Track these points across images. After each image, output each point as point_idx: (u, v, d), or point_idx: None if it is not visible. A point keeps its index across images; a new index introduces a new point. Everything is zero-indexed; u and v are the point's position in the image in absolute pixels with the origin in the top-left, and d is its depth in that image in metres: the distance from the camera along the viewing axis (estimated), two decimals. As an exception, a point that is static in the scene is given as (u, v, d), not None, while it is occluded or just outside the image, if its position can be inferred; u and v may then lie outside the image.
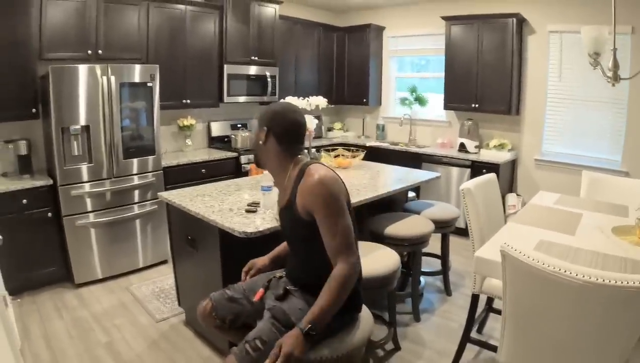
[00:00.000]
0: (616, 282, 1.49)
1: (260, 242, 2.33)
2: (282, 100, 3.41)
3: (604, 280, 1.50)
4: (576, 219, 2.82)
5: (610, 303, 1.53)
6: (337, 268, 1.75)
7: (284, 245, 2.24)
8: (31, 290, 3.69)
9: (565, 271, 1.57)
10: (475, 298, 2.74)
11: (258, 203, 2.77)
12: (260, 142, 1.94)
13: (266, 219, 2.49)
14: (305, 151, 2.09)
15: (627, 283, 1.47)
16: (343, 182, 1.91)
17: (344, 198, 1.85)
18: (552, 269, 1.59)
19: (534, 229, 2.58)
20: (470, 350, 2.89)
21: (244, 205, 2.76)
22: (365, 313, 2.05)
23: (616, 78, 2.73)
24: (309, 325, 1.68)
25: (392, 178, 3.88)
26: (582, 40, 2.72)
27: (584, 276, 1.53)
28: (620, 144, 4.84)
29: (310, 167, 1.87)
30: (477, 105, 5.41)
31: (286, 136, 1.93)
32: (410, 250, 3.31)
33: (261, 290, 2.05)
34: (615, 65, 2.71)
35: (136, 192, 4.09)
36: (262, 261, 2.20)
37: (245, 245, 2.36)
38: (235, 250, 2.51)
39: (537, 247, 2.25)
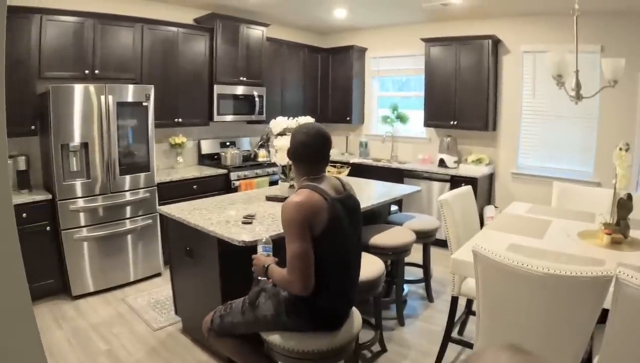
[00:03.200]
0: (572, 273, 1.72)
1: (255, 250, 2.50)
2: (273, 120, 3.60)
3: (560, 272, 1.73)
4: (545, 226, 3.05)
5: (568, 292, 1.75)
6: (285, 274, 2.00)
7: None
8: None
9: (527, 265, 1.79)
10: (454, 300, 2.95)
11: (253, 215, 2.97)
12: (289, 165, 2.22)
13: (262, 230, 2.68)
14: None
15: (581, 273, 1.70)
16: (333, 207, 2.00)
17: (305, 225, 1.93)
18: (516, 264, 1.82)
19: (506, 234, 2.81)
20: (452, 349, 3.09)
21: (240, 217, 2.95)
22: (354, 312, 2.26)
23: (579, 97, 3.00)
24: (266, 268, 2.14)
25: (375, 192, 4.10)
26: (548, 65, 2.97)
27: (543, 269, 1.76)
28: (592, 156, 5.12)
29: (300, 189, 2.05)
30: (455, 122, 5.69)
31: (295, 155, 2.16)
32: (394, 259, 3.51)
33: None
34: (578, 85, 2.99)
35: (130, 207, 4.25)
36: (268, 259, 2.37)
37: (242, 255, 2.53)
38: (233, 260, 2.70)
39: (507, 249, 2.45)
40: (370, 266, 2.78)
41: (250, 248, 2.49)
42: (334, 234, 2.01)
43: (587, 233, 2.86)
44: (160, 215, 4.10)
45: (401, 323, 3.63)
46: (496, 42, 5.53)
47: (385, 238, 3.42)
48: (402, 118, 6.49)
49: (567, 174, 5.21)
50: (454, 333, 3.13)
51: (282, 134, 3.53)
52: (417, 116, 6.40)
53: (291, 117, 3.57)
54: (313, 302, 2.04)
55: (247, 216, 2.97)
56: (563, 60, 2.87)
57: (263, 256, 2.21)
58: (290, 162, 2.22)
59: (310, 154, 2.13)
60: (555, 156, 5.44)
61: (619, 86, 2.95)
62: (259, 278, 2.23)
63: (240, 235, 2.58)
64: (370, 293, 2.81)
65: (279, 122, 3.54)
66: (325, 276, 1.99)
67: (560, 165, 5.38)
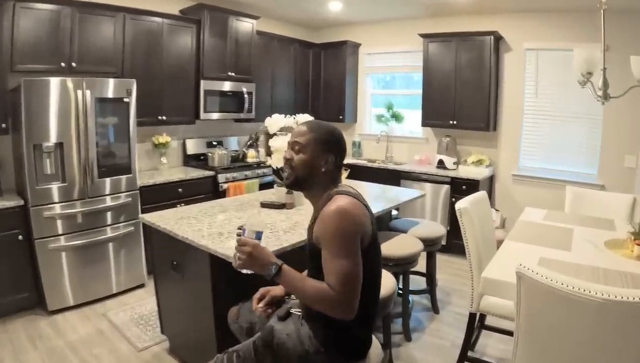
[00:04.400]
0: (634, 299, 1.46)
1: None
2: (268, 118, 3.30)
3: (622, 297, 1.47)
4: (568, 235, 2.83)
5: (629, 320, 1.50)
6: (329, 290, 1.61)
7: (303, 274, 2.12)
8: (2, 318, 3.45)
9: (584, 290, 1.53)
10: (472, 318, 2.69)
11: (249, 225, 2.66)
12: (323, 169, 1.80)
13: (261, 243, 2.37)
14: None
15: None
16: (372, 217, 1.78)
17: (357, 237, 1.65)
18: (571, 288, 1.55)
19: (531, 246, 2.57)
20: (467, 370, 2.83)
21: (233, 228, 2.63)
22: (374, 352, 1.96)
23: (606, 97, 2.75)
24: (279, 267, 1.70)
25: (377, 197, 3.82)
26: (575, 61, 2.72)
27: (602, 294, 1.51)
28: (595, 158, 4.95)
29: (338, 196, 1.75)
30: (455, 121, 5.44)
31: (342, 162, 1.89)
32: (401, 271, 3.23)
33: (272, 309, 2.00)
34: (605, 84, 2.74)
35: (110, 213, 3.89)
36: (276, 290, 2.03)
37: (237, 270, 2.23)
38: (227, 275, 2.38)
39: (538, 264, 2.21)
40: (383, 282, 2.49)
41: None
42: (375, 249, 1.77)
43: (614, 243, 2.68)
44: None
45: (408, 338, 3.36)
46: (498, 39, 5.30)
47: (391, 247, 3.14)
48: (397, 117, 6.24)
49: (570, 176, 5.02)
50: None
51: (277, 133, 3.24)
52: (413, 115, 6.16)
53: (288, 115, 3.27)
54: (348, 329, 1.75)
55: (243, 227, 2.64)
56: (592, 56, 2.62)
57: (266, 248, 1.77)
58: (324, 169, 1.82)
59: (344, 154, 1.91)
60: (558, 158, 5.24)
61: (623, 86, 2.75)
62: (244, 271, 1.76)
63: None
64: (382, 312, 2.52)
65: (275, 121, 3.24)
66: (363, 298, 1.65)
67: (563, 167, 5.19)
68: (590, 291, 1.52)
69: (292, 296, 2.04)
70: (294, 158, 1.81)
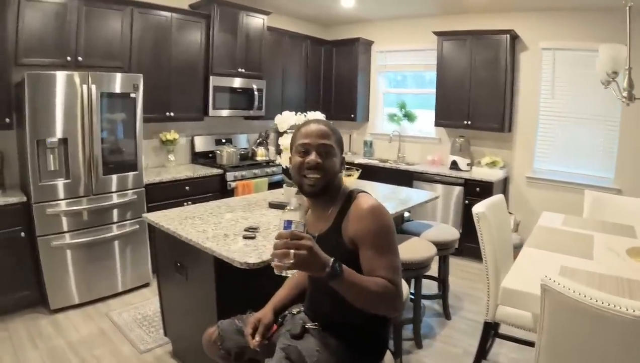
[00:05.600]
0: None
1: (258, 270, 2.10)
2: (278, 115, 3.20)
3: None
4: (589, 242, 2.71)
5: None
6: (390, 284, 1.50)
7: (285, 292, 1.99)
8: (3, 316, 3.38)
9: (614, 306, 1.41)
10: (487, 327, 2.58)
11: (256, 228, 2.55)
12: (340, 171, 1.75)
13: (268, 247, 2.27)
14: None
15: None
16: None
17: (396, 234, 1.64)
18: (601, 304, 1.43)
19: (552, 254, 2.45)
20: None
21: (240, 230, 2.54)
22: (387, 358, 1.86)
23: (631, 98, 2.62)
24: (339, 266, 1.41)
25: (389, 198, 3.70)
26: (599, 59, 2.59)
27: (634, 311, 1.38)
28: (612, 161, 4.81)
29: (361, 194, 1.70)
30: (469, 122, 5.31)
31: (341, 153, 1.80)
32: (413, 275, 3.12)
33: (274, 327, 1.84)
34: (631, 84, 2.61)
35: (116, 211, 3.81)
36: (267, 316, 1.86)
37: (242, 273, 2.14)
38: (232, 279, 2.30)
39: (560, 274, 2.10)
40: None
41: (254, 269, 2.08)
42: None
43: (636, 251, 2.55)
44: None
45: (419, 345, 3.24)
46: (514, 38, 5.15)
47: (404, 251, 2.99)
48: (410, 116, 6.11)
49: (586, 180, 4.88)
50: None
51: (287, 131, 3.13)
52: (425, 114, 6.03)
53: (299, 113, 3.17)
54: (375, 331, 1.73)
55: (249, 228, 2.55)
56: (619, 54, 2.49)
57: (315, 245, 1.40)
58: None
59: None
60: (574, 161, 5.09)
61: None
62: (287, 273, 1.41)
63: (243, 254, 2.16)
64: (394, 318, 2.41)
65: (286, 118, 3.13)
66: None
67: (578, 170, 5.05)
68: (620, 307, 1.40)
69: (292, 310, 1.93)
70: (325, 162, 1.67)
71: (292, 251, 1.33)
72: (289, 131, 3.13)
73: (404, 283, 2.43)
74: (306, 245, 1.35)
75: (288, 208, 1.48)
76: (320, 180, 1.66)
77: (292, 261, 1.33)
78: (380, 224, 1.58)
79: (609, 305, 1.42)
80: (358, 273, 1.48)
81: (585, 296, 1.46)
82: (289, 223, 1.43)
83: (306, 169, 1.66)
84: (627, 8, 2.61)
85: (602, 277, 2.12)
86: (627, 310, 1.39)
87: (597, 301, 1.44)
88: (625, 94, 2.62)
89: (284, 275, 1.41)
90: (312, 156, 1.66)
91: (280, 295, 1.98)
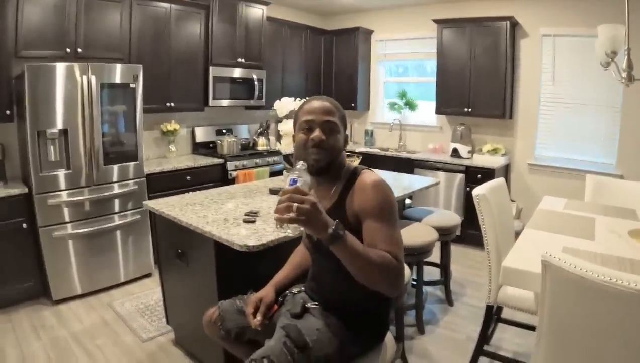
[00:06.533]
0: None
1: (258, 254, 2.11)
2: (277, 101, 3.19)
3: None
4: (590, 224, 2.69)
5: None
6: (392, 258, 1.48)
7: (286, 271, 2.02)
8: (6, 307, 3.40)
9: (617, 280, 1.40)
10: (489, 310, 2.58)
11: (256, 212, 2.56)
12: (344, 147, 1.76)
13: (267, 230, 2.27)
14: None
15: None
16: None
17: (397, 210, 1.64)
18: (604, 279, 1.42)
19: (553, 235, 2.43)
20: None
21: (240, 214, 2.54)
22: (388, 340, 1.86)
23: (631, 78, 2.61)
24: (342, 229, 1.39)
25: (392, 185, 3.68)
26: (598, 39, 2.57)
27: (637, 285, 1.37)
28: (614, 147, 4.79)
29: (365, 170, 1.71)
30: (470, 109, 5.29)
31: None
32: (414, 260, 3.12)
33: (274, 307, 1.85)
34: (630, 65, 2.59)
35: (117, 201, 3.82)
36: (268, 296, 1.87)
37: (242, 258, 2.15)
38: (232, 264, 2.30)
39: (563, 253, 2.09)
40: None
41: (253, 252, 2.08)
42: None
43: (638, 233, 2.51)
44: (151, 210, 3.68)
45: (421, 331, 3.24)
46: (514, 25, 5.13)
47: (405, 236, 2.95)
48: (410, 105, 6.10)
49: (588, 166, 4.85)
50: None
51: (287, 117, 3.13)
52: (426, 103, 6.01)
53: (298, 98, 3.16)
54: (377, 311, 1.76)
55: (249, 213, 2.55)
56: (618, 34, 2.47)
57: (319, 203, 1.38)
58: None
59: None
60: (575, 147, 5.08)
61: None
62: (289, 230, 1.39)
63: (242, 237, 2.16)
64: (396, 303, 2.41)
65: (285, 104, 3.14)
66: None
67: (580, 156, 5.03)
68: (623, 282, 1.39)
69: (292, 290, 1.93)
70: (329, 139, 1.66)
71: (295, 204, 1.31)
72: (288, 117, 3.14)
73: (405, 267, 2.44)
74: (310, 200, 1.33)
75: (295, 168, 1.49)
76: (325, 156, 1.65)
77: (294, 214, 1.30)
78: (383, 198, 1.58)
79: (611, 279, 1.41)
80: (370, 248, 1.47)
81: (587, 272, 1.45)
82: (294, 181, 1.42)
83: (311, 146, 1.65)
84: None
85: (604, 257, 2.10)
86: (629, 284, 1.38)
87: (599, 276, 1.42)
88: (624, 75, 2.60)
89: (284, 231, 1.40)
90: (317, 133, 1.65)
91: (282, 274, 1.99)
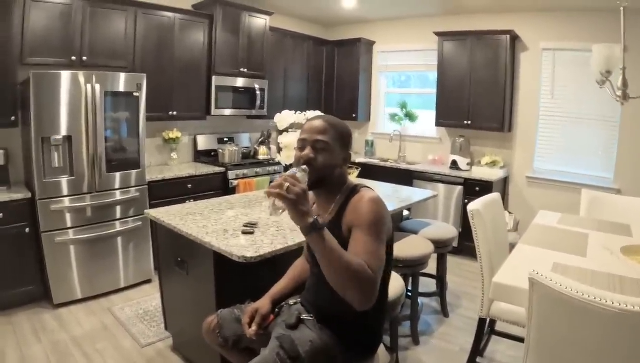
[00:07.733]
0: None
1: (257, 264, 2.16)
2: (278, 114, 3.25)
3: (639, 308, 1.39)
4: (583, 240, 2.73)
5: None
6: (367, 267, 1.49)
7: (284, 283, 2.07)
8: (7, 309, 3.45)
9: (599, 299, 1.45)
10: (482, 323, 2.62)
11: (255, 223, 2.61)
12: (342, 166, 1.80)
13: (265, 242, 2.32)
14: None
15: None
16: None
17: (388, 232, 1.67)
18: (586, 297, 1.47)
19: (545, 251, 2.48)
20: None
21: (239, 225, 2.59)
22: (380, 352, 1.91)
23: (625, 97, 2.66)
24: (320, 222, 1.46)
25: (389, 197, 3.74)
26: (593, 58, 2.63)
27: (619, 304, 1.42)
28: (612, 161, 4.84)
29: (364, 188, 1.76)
30: (469, 121, 5.35)
31: (349, 148, 1.85)
32: (410, 272, 3.16)
33: (270, 317, 1.90)
34: (625, 84, 2.64)
35: (119, 207, 3.88)
36: (264, 306, 1.94)
37: (241, 268, 2.19)
38: (231, 274, 2.35)
39: (552, 270, 2.14)
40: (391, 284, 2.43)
41: (252, 263, 2.13)
42: (390, 247, 1.75)
43: (631, 249, 2.56)
44: (151, 217, 3.74)
45: (416, 341, 3.28)
46: (514, 38, 5.19)
47: (401, 248, 3.07)
48: (411, 116, 6.15)
49: (586, 179, 4.91)
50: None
51: (287, 130, 3.18)
52: (426, 114, 6.07)
53: (298, 111, 3.22)
54: (368, 325, 1.79)
55: (248, 224, 2.60)
56: (613, 53, 2.52)
57: (307, 193, 1.50)
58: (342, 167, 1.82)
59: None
60: (574, 160, 5.13)
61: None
62: (278, 211, 1.46)
63: (241, 248, 2.21)
64: (390, 314, 2.46)
65: (285, 117, 3.19)
66: (380, 292, 1.58)
67: (578, 170, 5.09)
68: (606, 300, 1.44)
69: (288, 301, 1.98)
70: (317, 157, 1.71)
71: (287, 184, 1.42)
72: (290, 130, 3.19)
73: (399, 280, 2.50)
74: (301, 186, 1.45)
75: (298, 167, 1.63)
76: (314, 173, 1.68)
77: (283, 191, 1.40)
78: (376, 213, 1.61)
79: (594, 298, 1.46)
80: (343, 250, 1.51)
81: (570, 289, 1.50)
82: (293, 171, 1.56)
83: (301, 163, 1.71)
84: (621, 8, 2.65)
85: (594, 274, 2.14)
86: (612, 303, 1.43)
87: (582, 294, 1.47)
88: (619, 93, 2.66)
89: (272, 212, 1.47)
90: (306, 151, 1.72)
91: (279, 285, 2.05)
